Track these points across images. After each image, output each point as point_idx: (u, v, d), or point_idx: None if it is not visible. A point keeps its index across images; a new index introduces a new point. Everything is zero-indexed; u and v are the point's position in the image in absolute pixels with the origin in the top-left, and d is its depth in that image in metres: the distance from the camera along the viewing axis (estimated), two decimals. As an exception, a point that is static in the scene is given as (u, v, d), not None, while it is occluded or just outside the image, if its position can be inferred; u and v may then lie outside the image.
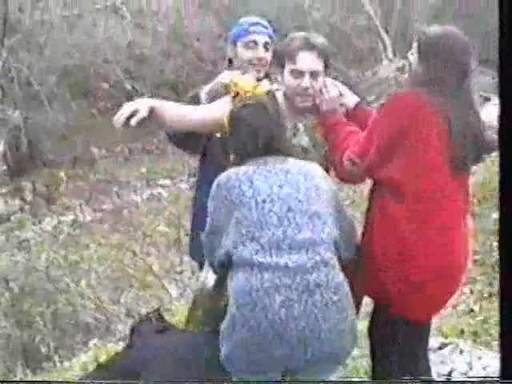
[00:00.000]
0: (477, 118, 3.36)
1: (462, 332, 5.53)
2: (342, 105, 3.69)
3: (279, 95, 3.63)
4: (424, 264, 3.31)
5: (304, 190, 3.17)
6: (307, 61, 3.55)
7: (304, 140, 3.65)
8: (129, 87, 15.71)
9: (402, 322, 3.40)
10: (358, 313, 3.43)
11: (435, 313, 3.60)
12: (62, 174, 13.81)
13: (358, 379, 4.49)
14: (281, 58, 3.63)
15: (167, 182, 13.81)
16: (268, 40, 3.92)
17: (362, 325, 3.59)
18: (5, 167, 14.32)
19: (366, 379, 4.29)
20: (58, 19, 15.37)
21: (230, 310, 3.11)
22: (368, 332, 3.59)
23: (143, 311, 7.26)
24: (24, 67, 14.74)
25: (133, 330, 3.67)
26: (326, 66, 3.62)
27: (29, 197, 13.71)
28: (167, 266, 10.07)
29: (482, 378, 4.16)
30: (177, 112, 3.66)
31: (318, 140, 3.66)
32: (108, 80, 16.15)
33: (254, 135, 3.27)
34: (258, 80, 3.77)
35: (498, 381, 2.91)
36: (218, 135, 3.70)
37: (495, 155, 2.95)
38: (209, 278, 3.57)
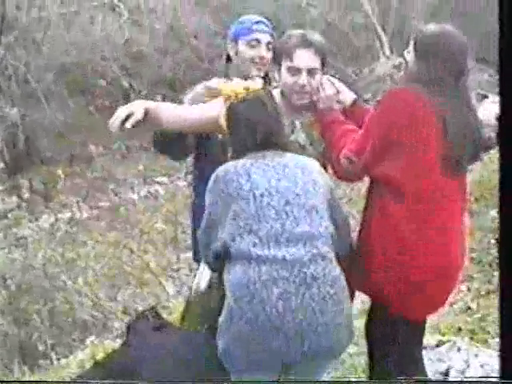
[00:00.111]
0: (474, 116, 3.36)
1: (460, 330, 5.53)
2: (339, 102, 3.69)
3: (276, 93, 3.63)
4: (424, 264, 3.31)
5: (302, 184, 3.18)
6: (304, 58, 3.55)
7: (301, 137, 3.66)
8: (126, 85, 15.69)
9: (402, 321, 3.40)
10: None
11: (434, 311, 3.61)
12: (59, 171, 13.78)
13: (354, 379, 4.48)
14: (278, 56, 3.63)
15: (164, 179, 13.79)
16: (270, 39, 3.92)
17: (360, 322, 3.59)
18: (2, 164, 14.30)
19: (363, 378, 4.29)
20: (55, 16, 15.34)
21: (228, 304, 3.11)
22: (365, 331, 3.59)
23: (140, 308, 7.25)
24: (21, 65, 14.71)
25: (129, 328, 3.66)
26: (323, 64, 3.61)
27: (26, 194, 13.69)
28: (164, 264, 10.08)
29: (483, 379, 4.16)
30: (173, 113, 3.67)
31: (315, 137, 3.66)
32: (105, 77, 16.12)
33: (252, 130, 3.28)
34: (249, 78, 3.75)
35: (497, 381, 2.91)
36: (220, 136, 3.68)
37: (493, 153, 2.95)
38: (201, 281, 3.58)
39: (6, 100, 14.55)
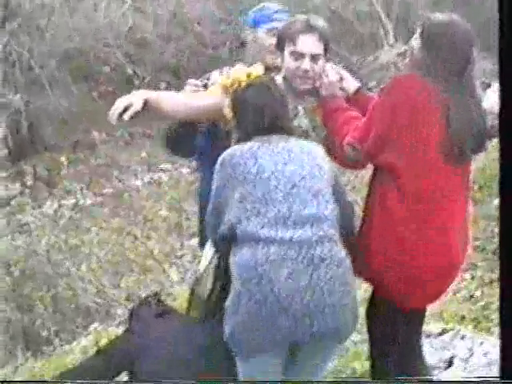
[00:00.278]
0: (478, 105, 3.35)
1: (463, 318, 5.54)
2: (342, 89, 3.67)
3: (279, 79, 3.61)
4: (424, 264, 3.32)
5: (308, 168, 3.21)
6: (308, 43, 3.54)
7: (304, 122, 3.65)
8: (130, 71, 15.68)
9: (401, 314, 3.42)
10: None
11: (434, 302, 3.61)
12: (62, 158, 13.79)
13: (353, 379, 4.48)
14: (281, 41, 3.62)
15: (168, 166, 13.79)
16: None
17: (362, 310, 3.59)
18: (5, 151, 14.31)
19: (364, 378, 4.29)
20: (59, 3, 15.29)
21: (234, 287, 3.13)
22: (366, 316, 3.59)
23: (144, 295, 7.27)
24: (25, 51, 14.69)
25: (131, 314, 3.66)
26: (326, 50, 3.60)
27: (29, 181, 13.71)
28: (168, 250, 10.10)
29: (483, 379, 4.16)
30: (175, 101, 3.68)
31: (317, 123, 3.65)
32: (109, 64, 16.11)
33: (260, 114, 3.31)
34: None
35: (498, 381, 2.92)
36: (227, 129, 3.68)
37: (496, 141, 2.94)
38: (200, 266, 3.59)
39: (9, 87, 14.53)
